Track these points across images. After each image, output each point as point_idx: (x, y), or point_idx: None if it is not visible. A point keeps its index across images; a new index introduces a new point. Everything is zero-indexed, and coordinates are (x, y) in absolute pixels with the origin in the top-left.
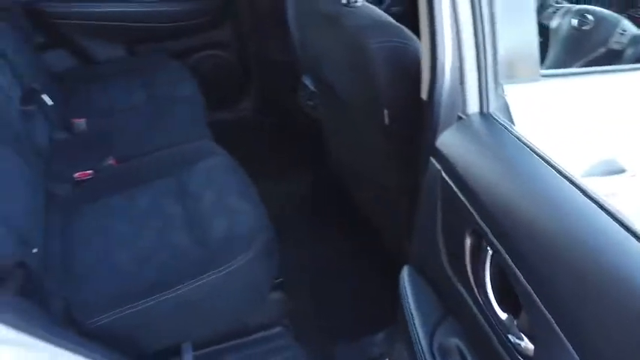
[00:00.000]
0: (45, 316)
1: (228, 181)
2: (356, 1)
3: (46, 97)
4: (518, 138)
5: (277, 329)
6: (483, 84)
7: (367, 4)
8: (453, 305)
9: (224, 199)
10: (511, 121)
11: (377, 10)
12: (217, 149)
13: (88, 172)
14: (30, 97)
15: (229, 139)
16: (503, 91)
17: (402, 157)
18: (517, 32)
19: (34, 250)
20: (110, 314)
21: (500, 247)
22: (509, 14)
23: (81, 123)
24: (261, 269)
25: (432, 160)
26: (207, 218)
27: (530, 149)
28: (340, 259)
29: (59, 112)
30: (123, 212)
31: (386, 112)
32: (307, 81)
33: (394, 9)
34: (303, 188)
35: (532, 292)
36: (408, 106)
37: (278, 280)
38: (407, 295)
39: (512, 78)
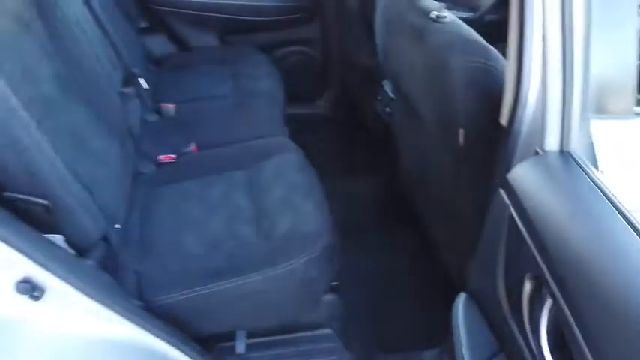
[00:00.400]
0: (119, 288)
1: (297, 180)
2: (445, 17)
3: (142, 81)
4: (597, 185)
5: (326, 331)
6: (567, 118)
7: (457, 19)
8: (505, 343)
9: (291, 197)
10: (594, 163)
11: (464, 28)
12: (290, 146)
13: (171, 155)
14: (130, 79)
15: (303, 132)
16: (588, 128)
17: (473, 181)
18: (613, 58)
19: (117, 226)
20: (174, 295)
21: (560, 298)
22: (606, 34)
23: (170, 108)
24: (319, 271)
25: (502, 192)
26: (273, 214)
27: (609, 200)
28: (398, 269)
29: (152, 96)
30: (197, 197)
31: (461, 132)
32: (387, 87)
33: (489, 17)
34: (369, 192)
35: (588, 354)
36: (485, 131)
37: (334, 283)
38: (460, 324)
39: (601, 112)
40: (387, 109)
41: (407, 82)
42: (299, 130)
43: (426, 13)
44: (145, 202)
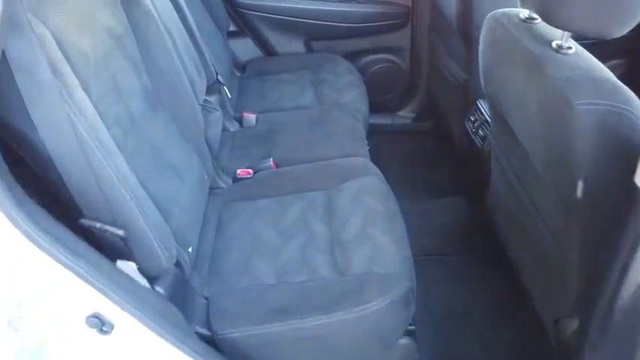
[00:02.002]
0: (187, 324)
1: (377, 209)
2: (569, 48)
3: (226, 90)
4: None
5: None
6: None
7: (583, 51)
8: None
9: (370, 228)
10: None
11: (592, 61)
12: (372, 169)
13: (249, 170)
14: (214, 88)
15: (385, 144)
16: None
17: (586, 238)
18: None
19: (190, 249)
20: (243, 329)
21: None
22: None
23: (251, 118)
24: (394, 318)
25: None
26: (349, 248)
27: None
28: (477, 306)
29: (235, 104)
30: (272, 218)
31: (580, 184)
32: (483, 107)
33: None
34: (450, 216)
35: None
36: (611, 186)
37: (410, 327)
38: None
39: None
40: (481, 132)
41: (512, 112)
42: (380, 142)
43: (546, 41)
44: (219, 219)
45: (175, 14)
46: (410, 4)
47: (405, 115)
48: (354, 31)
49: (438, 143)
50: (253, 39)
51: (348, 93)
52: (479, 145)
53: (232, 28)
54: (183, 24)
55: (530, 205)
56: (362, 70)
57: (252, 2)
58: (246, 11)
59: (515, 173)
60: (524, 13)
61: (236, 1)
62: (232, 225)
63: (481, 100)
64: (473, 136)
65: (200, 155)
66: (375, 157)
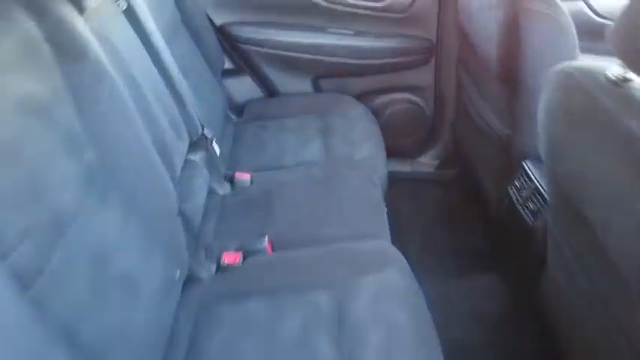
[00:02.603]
0: None
1: (403, 324)
2: None
3: (215, 146)
4: None
5: None
6: None
7: None
8: None
9: (394, 351)
10: None
11: None
12: (394, 258)
13: (237, 254)
14: (200, 144)
15: (403, 197)
16: None
17: None
18: None
19: None
20: None
21: None
22: None
23: (245, 180)
24: None
25: None
26: None
27: None
28: None
29: (228, 157)
30: (264, 332)
31: None
32: (531, 171)
33: None
34: (490, 307)
35: None
36: None
37: None
38: None
39: None
40: (531, 205)
41: (595, 204)
42: (399, 193)
43: None
44: (194, 329)
45: (148, 61)
46: (434, 38)
47: (427, 162)
48: (368, 69)
49: (465, 196)
50: (253, 77)
51: (362, 145)
52: (529, 221)
53: (229, 65)
54: (159, 70)
55: (607, 317)
56: (377, 112)
57: (251, 36)
58: (245, 46)
59: (588, 274)
60: (614, 71)
61: (233, 36)
62: (210, 343)
63: (528, 162)
64: (520, 208)
65: (169, 248)
66: (393, 213)
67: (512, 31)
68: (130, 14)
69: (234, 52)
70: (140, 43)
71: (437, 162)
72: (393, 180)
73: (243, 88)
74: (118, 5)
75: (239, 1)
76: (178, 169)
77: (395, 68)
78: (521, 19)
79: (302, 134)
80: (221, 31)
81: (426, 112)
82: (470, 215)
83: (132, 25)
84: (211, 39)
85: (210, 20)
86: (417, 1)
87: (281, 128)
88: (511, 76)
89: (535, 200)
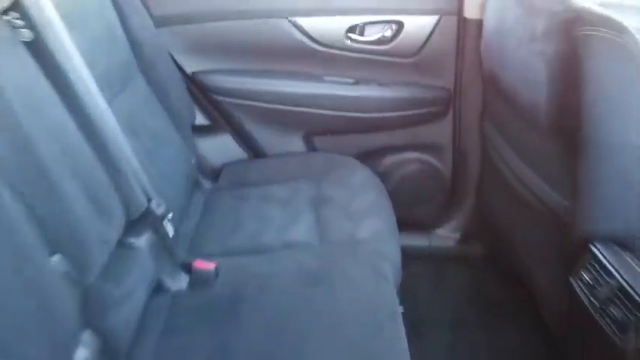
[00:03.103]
0: None
1: None
2: None
3: (167, 225)
4: None
5: None
6: None
7: None
8: None
9: None
10: None
11: None
12: None
13: None
14: (144, 224)
15: (421, 280)
16: None
17: None
18: None
19: None
20: None
21: None
22: None
23: (207, 272)
24: None
25: None
26: None
27: None
28: None
29: (190, 238)
30: None
31: None
32: (606, 258)
33: None
34: None
35: None
36: None
37: None
38: None
39: None
40: (615, 311)
41: None
42: (414, 276)
43: None
44: None
45: (60, 114)
46: (451, 86)
47: (447, 235)
48: (372, 124)
49: (501, 280)
50: (233, 135)
51: (366, 220)
52: (614, 336)
53: (203, 121)
54: (83, 127)
55: None
56: (384, 176)
57: (231, 87)
58: (223, 98)
59: None
60: None
61: (208, 86)
62: None
63: (600, 246)
64: (595, 314)
65: None
66: (409, 301)
67: (569, 68)
68: (38, 49)
69: (209, 106)
70: (49, 88)
71: (459, 235)
72: (408, 257)
73: (221, 148)
74: (15, 32)
75: (215, 44)
76: (95, 265)
77: (405, 123)
78: (582, 50)
79: (290, 206)
80: (193, 81)
81: (444, 175)
82: (509, 303)
83: (39, 65)
84: (178, 90)
85: (180, 68)
86: (429, 42)
87: (264, 198)
88: (568, 128)
89: (620, 305)
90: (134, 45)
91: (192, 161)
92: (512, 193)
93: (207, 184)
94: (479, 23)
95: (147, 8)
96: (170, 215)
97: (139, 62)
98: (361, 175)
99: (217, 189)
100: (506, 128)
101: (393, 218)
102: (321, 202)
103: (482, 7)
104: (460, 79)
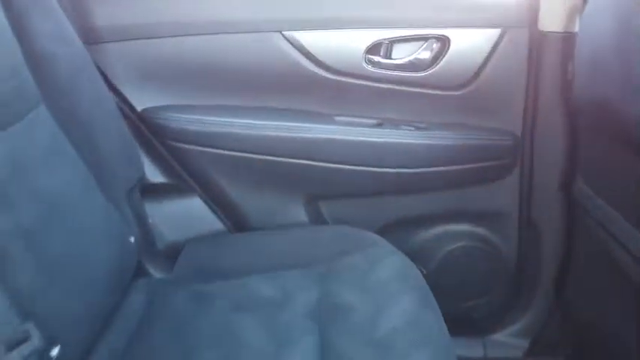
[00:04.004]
0: None
1: None
2: None
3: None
4: None
5: None
6: None
7: None
8: None
9: None
10: None
11: None
12: None
13: None
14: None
15: None
16: None
17: None
18: None
19: None
20: None
21: None
22: None
23: None
24: None
25: None
26: None
27: None
28: None
29: None
30: None
31: None
32: None
33: None
34: None
35: None
36: None
37: None
38: None
39: None
40: None
41: None
42: None
43: None
44: None
45: None
46: (520, 129)
47: (510, 342)
48: (404, 183)
49: None
50: (203, 198)
51: (401, 351)
52: None
53: (160, 177)
54: None
55: None
56: (420, 256)
57: (201, 130)
58: (188, 147)
59: None
60: None
61: (166, 129)
62: None
63: None
64: None
65: None
66: None
67: None
68: None
69: (168, 156)
70: None
71: (528, 342)
72: None
73: (184, 217)
74: None
75: (176, 69)
76: None
77: (451, 182)
78: None
79: (279, 319)
80: (144, 121)
81: (506, 256)
82: None
83: None
84: (112, 132)
85: (125, 101)
86: (487, 66)
87: (238, 302)
88: None
89: None
90: (38, 62)
91: (132, 239)
92: (624, 288)
93: (156, 273)
94: (567, 39)
95: (76, 16)
96: (55, 352)
97: (43, 87)
98: (392, 264)
99: (169, 283)
100: (617, 189)
101: (450, 346)
102: (328, 314)
103: (572, 15)
104: (533, 118)
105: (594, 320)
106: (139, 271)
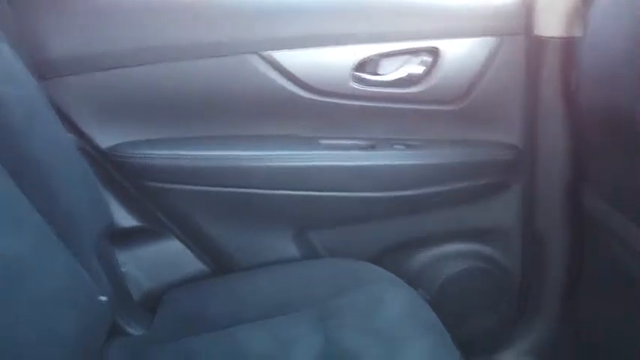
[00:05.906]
0: None
1: None
2: None
3: None
4: None
5: None
6: None
7: None
8: None
9: None
10: None
11: None
12: None
13: None
14: None
15: None
16: None
17: None
18: None
19: None
20: None
21: None
22: None
23: None
24: None
25: None
26: None
27: None
28: None
29: None
30: None
31: None
32: None
33: None
34: None
35: None
36: None
37: None
38: None
39: None
40: None
41: None
42: None
43: None
44: None
45: None
46: (521, 141)
47: None
48: (399, 206)
49: None
50: (182, 240)
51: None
52: None
53: (133, 221)
54: None
55: None
56: (422, 281)
57: (175, 165)
58: (162, 185)
59: None
60: None
61: (137, 167)
62: None
63: None
64: None
65: None
66: None
67: None
68: None
69: (141, 197)
70: None
71: None
72: None
73: (160, 261)
74: None
75: (145, 101)
76: None
77: (449, 200)
78: None
79: (278, 355)
80: (110, 160)
81: (510, 274)
82: None
83: None
84: (76, 181)
85: (87, 140)
86: (483, 77)
87: (229, 357)
88: None
89: None
90: None
91: (103, 299)
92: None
93: (134, 330)
94: (568, 44)
95: (28, 48)
96: None
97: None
98: (399, 300)
99: (148, 341)
100: (634, 200)
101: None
102: (330, 356)
103: (572, 18)
104: (534, 129)
105: (609, 340)
106: (115, 330)
